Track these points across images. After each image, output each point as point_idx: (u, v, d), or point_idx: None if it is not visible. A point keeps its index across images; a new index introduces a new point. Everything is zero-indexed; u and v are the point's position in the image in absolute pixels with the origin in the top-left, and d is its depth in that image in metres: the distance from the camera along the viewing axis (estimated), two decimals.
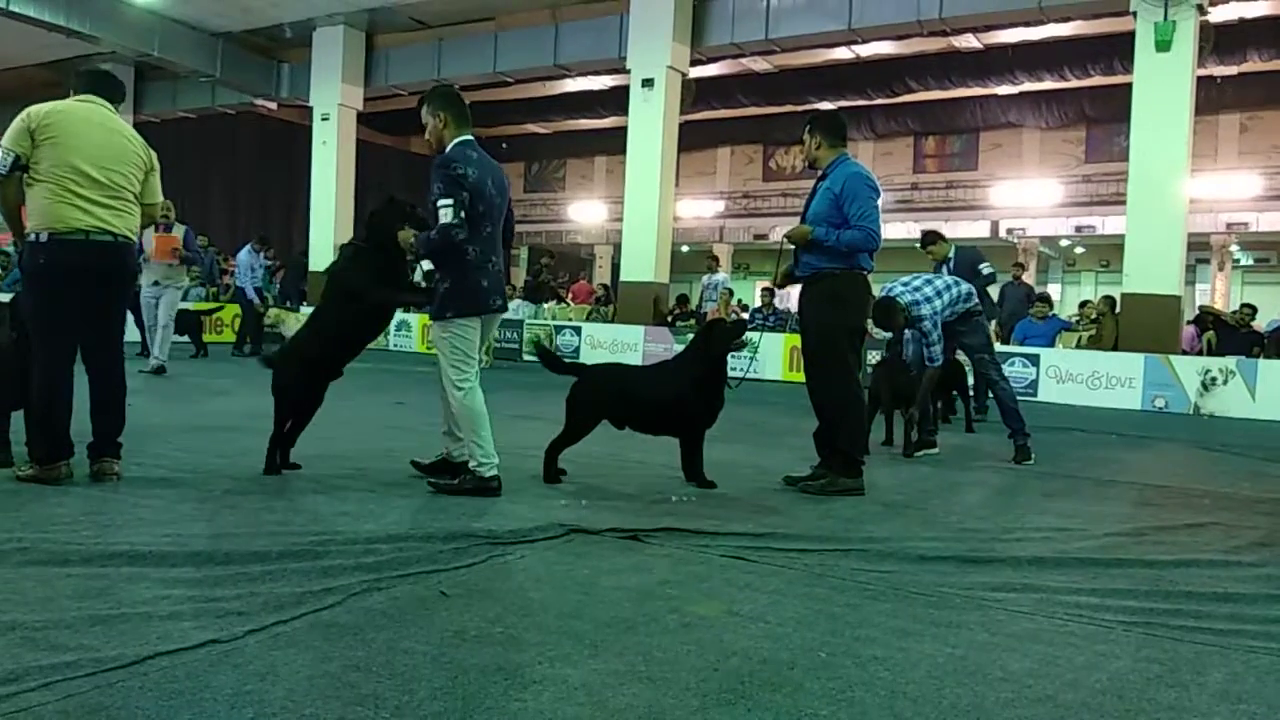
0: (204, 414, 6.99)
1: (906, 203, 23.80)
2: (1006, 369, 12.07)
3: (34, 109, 4.21)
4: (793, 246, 5.04)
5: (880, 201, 4.96)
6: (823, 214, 4.89)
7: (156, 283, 9.87)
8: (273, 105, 21.12)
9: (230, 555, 3.09)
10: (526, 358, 15.84)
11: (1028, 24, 15.01)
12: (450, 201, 4.24)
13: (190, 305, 15.95)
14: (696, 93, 16.81)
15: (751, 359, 13.52)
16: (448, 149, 4.42)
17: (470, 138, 4.49)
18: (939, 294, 6.41)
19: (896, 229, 22.67)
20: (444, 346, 4.45)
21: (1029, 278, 19.32)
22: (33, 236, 4.15)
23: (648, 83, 15.35)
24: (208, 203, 21.92)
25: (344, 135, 19.21)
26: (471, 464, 4.42)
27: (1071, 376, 12.18)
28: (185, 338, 13.44)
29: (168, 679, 2.11)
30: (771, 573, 3.27)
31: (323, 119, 19.14)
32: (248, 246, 14.25)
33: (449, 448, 4.66)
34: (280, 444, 4.72)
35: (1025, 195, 22.76)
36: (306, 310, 15.10)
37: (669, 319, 15.86)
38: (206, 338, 13.51)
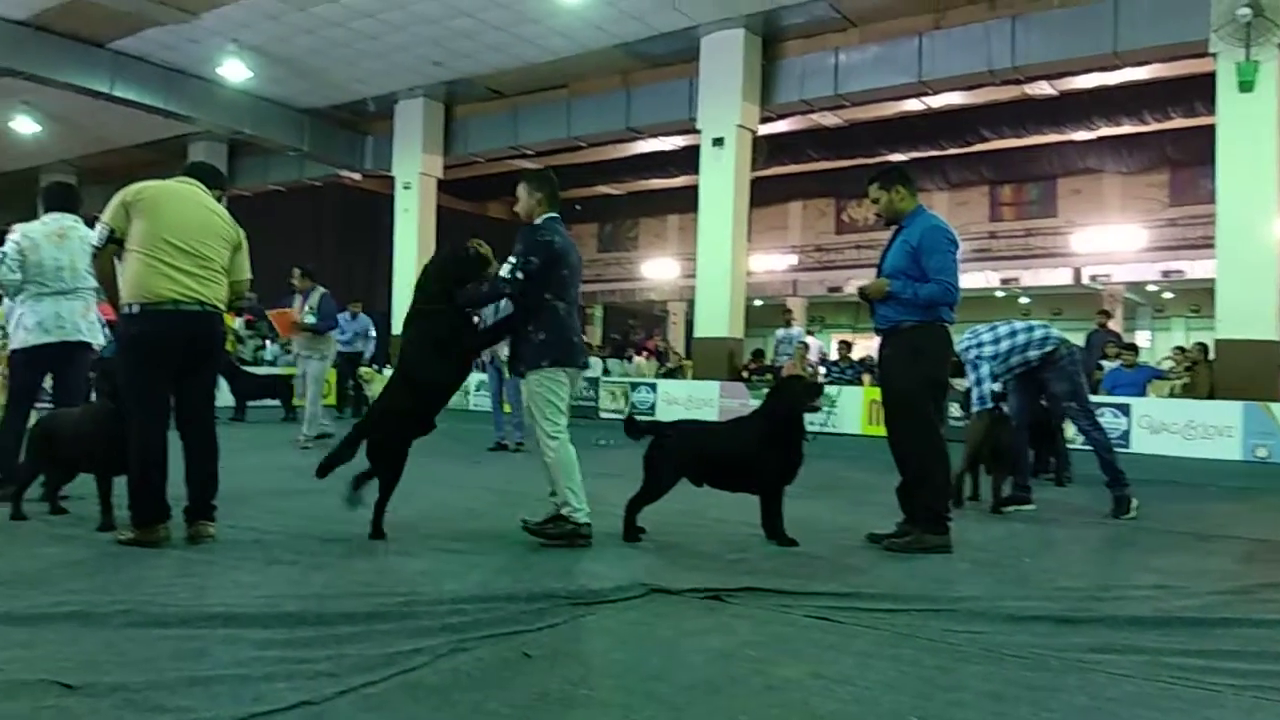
0: (291, 476, 7.17)
1: (984, 252, 23.45)
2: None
3: (130, 187, 4.49)
4: (868, 302, 5.01)
5: (959, 253, 4.91)
6: (900, 267, 4.85)
7: (306, 354, 9.69)
8: (357, 176, 21.93)
9: (320, 616, 3.15)
10: (602, 414, 15.92)
11: (1103, 69, 14.80)
12: (513, 261, 4.60)
13: (280, 370, 16.51)
14: (768, 151, 16.93)
15: (829, 413, 13.41)
16: (538, 220, 4.78)
17: (558, 216, 4.85)
18: (998, 340, 6.38)
19: (975, 278, 22.34)
20: (538, 399, 4.66)
21: (1116, 325, 18.82)
22: (126, 308, 4.37)
23: (718, 142, 15.53)
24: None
25: (425, 203, 19.81)
26: (565, 511, 4.58)
27: (1165, 426, 11.74)
28: (277, 402, 13.88)
29: None
30: (857, 633, 3.21)
31: (404, 188, 19.78)
32: (347, 312, 14.75)
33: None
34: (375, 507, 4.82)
35: (1108, 241, 22.21)
36: (389, 372, 15.44)
37: (745, 374, 15.82)
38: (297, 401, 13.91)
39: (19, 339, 5.59)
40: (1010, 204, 24.51)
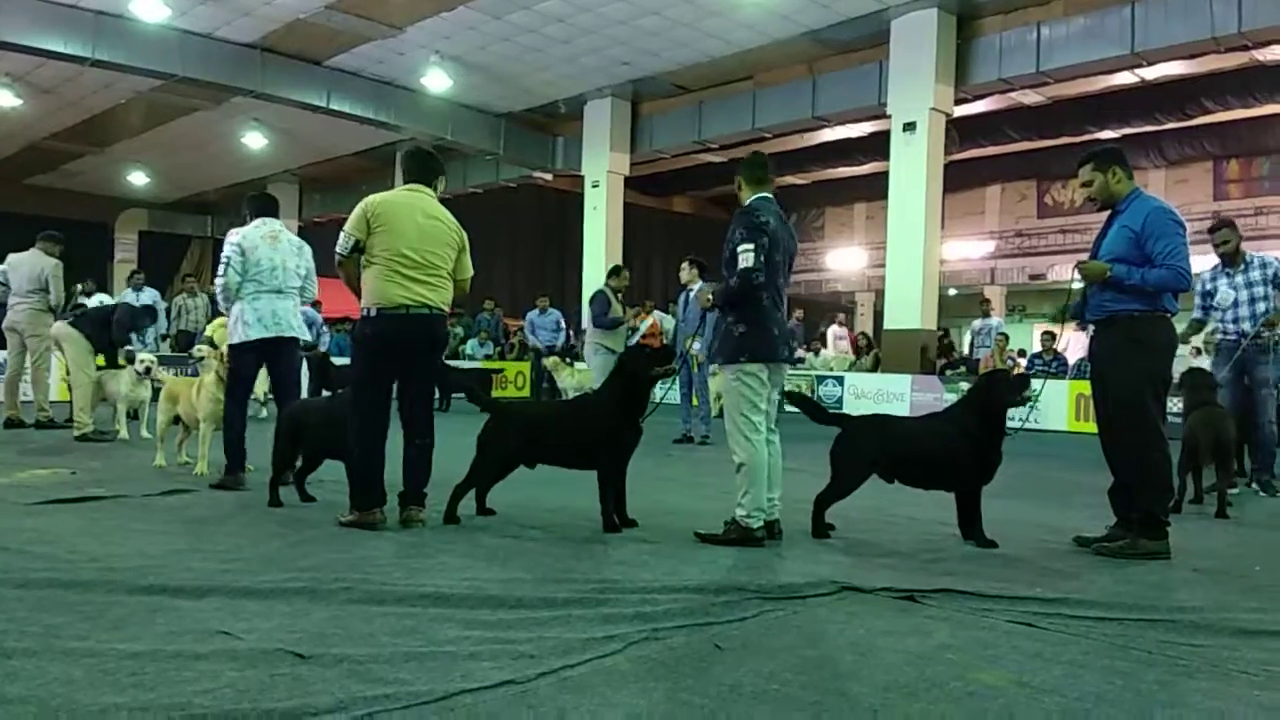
0: None
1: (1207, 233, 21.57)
2: None
3: (370, 200, 4.84)
4: (1081, 285, 4.71)
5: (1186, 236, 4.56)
6: (1119, 253, 4.53)
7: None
8: (548, 176, 22.67)
9: (521, 600, 3.30)
10: (786, 408, 15.78)
11: None
12: (751, 246, 4.46)
13: (480, 364, 17.33)
14: (960, 138, 16.16)
15: (1031, 408, 12.67)
16: (748, 202, 4.68)
17: (769, 195, 4.73)
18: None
19: (1196, 262, 20.42)
20: (733, 395, 4.58)
21: None
22: (365, 311, 4.81)
23: (909, 126, 15.00)
24: (491, 268, 23.84)
25: (612, 200, 20.21)
26: (739, 513, 4.50)
27: None
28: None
29: (471, 715, 2.29)
30: (1065, 642, 3.04)
31: (593, 186, 20.27)
32: (536, 310, 15.48)
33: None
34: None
35: None
36: (580, 366, 15.92)
37: (939, 368, 15.23)
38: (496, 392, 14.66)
39: (238, 334, 6.05)
40: (1237, 180, 22.52)
